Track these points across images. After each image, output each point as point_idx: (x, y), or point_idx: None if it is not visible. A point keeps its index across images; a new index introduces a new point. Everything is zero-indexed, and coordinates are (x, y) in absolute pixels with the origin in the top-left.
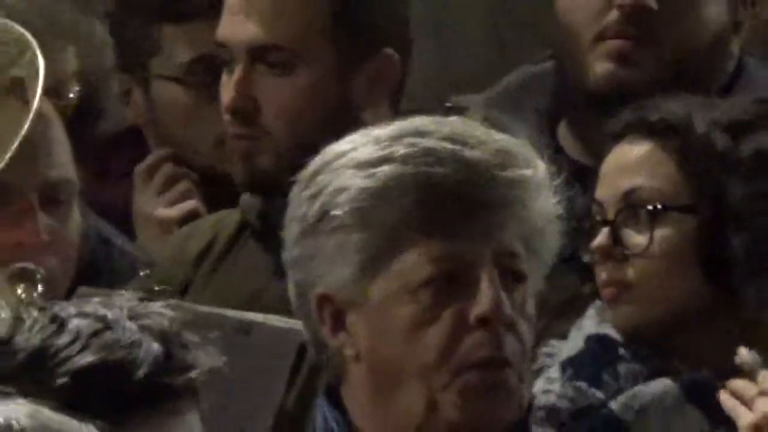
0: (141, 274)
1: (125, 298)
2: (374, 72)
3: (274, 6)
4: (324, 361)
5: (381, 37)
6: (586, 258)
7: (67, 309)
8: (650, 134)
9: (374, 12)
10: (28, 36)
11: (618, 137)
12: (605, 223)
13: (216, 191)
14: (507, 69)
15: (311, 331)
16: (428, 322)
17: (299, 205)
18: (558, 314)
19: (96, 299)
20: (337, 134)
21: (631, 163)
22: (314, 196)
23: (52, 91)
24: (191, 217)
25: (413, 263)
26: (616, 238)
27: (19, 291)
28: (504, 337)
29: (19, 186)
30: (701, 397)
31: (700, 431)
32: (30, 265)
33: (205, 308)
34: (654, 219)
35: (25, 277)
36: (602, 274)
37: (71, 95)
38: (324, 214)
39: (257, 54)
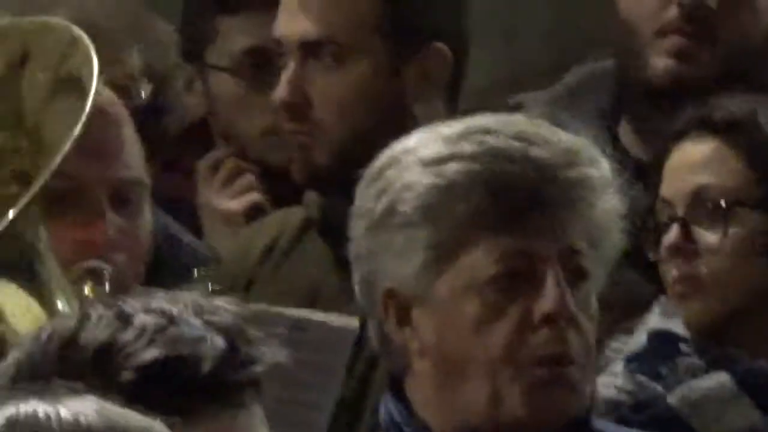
0: (196, 273)
1: (190, 295)
2: (425, 66)
3: (325, 1)
4: (388, 354)
5: (432, 32)
6: (650, 255)
7: (132, 305)
8: (715, 132)
9: (425, 6)
10: (84, 37)
11: (681, 135)
12: (675, 220)
13: (275, 182)
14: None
15: (376, 324)
16: (494, 318)
17: (366, 201)
18: (623, 311)
19: (161, 295)
20: (390, 128)
21: (698, 161)
22: (381, 192)
23: (123, 90)
24: (254, 209)
25: (479, 260)
26: (687, 235)
27: (87, 289)
28: (568, 334)
29: (90, 186)
30: (756, 387)
31: (752, 422)
32: (98, 264)
33: (262, 306)
34: (726, 215)
35: (94, 275)
36: (673, 271)
37: (142, 95)
38: (391, 210)
39: (309, 49)
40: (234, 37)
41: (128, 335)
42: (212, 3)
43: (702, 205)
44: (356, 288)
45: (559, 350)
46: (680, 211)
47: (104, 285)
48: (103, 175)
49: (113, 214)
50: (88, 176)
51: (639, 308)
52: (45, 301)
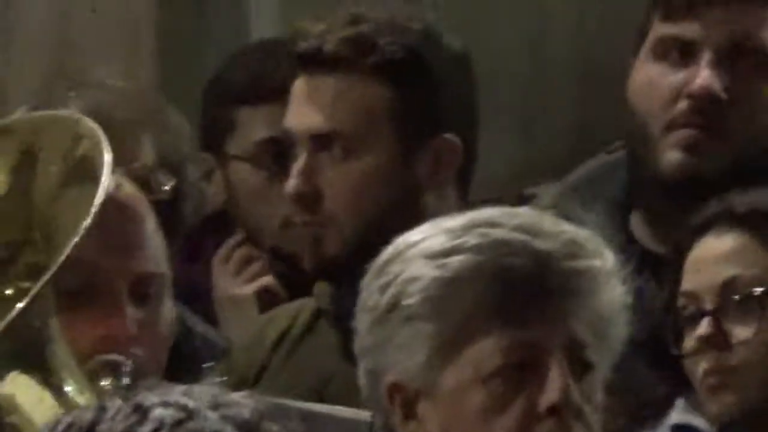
0: (204, 366)
1: (207, 388)
2: (435, 156)
3: (334, 94)
4: None
5: (441, 122)
6: (675, 351)
7: (149, 398)
8: (740, 225)
9: (434, 98)
10: (95, 127)
11: (703, 229)
12: (704, 313)
13: (295, 271)
14: (591, 156)
15: (382, 418)
16: (499, 410)
17: (371, 294)
18: (635, 416)
19: (178, 388)
20: (402, 217)
21: (724, 254)
22: (386, 286)
23: (143, 183)
24: (266, 293)
25: (484, 352)
26: (717, 327)
27: (104, 383)
28: (573, 427)
29: (109, 279)
30: None
31: None
32: (117, 357)
33: (271, 399)
34: (762, 304)
35: (112, 369)
36: (703, 364)
37: (164, 187)
38: (395, 304)
39: (320, 142)
40: (253, 127)
41: (145, 429)
42: (232, 94)
43: (731, 297)
44: (361, 381)
45: None
46: (709, 305)
47: (122, 380)
48: (123, 269)
49: (133, 307)
50: (108, 269)
51: (651, 414)
52: (56, 392)
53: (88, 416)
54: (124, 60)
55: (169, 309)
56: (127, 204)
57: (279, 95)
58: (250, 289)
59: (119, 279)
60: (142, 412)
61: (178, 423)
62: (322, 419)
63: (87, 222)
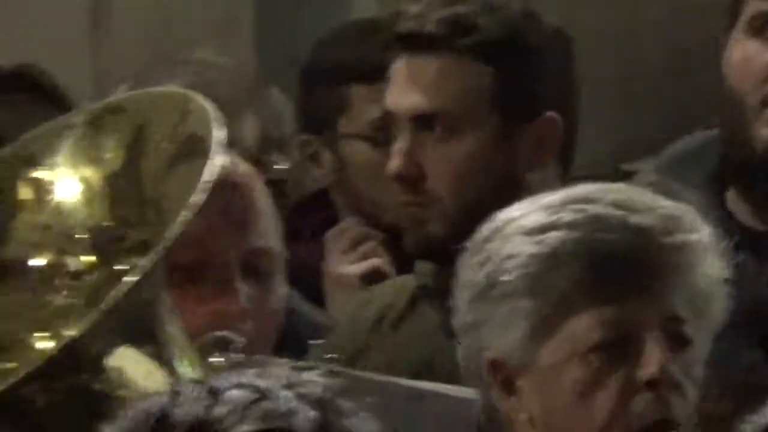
0: (311, 343)
1: (280, 368)
2: (537, 135)
3: (435, 74)
4: (495, 424)
5: (543, 101)
6: None
7: (223, 380)
8: None
9: (535, 77)
10: (205, 103)
11: None
12: None
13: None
14: (688, 132)
15: (482, 395)
16: (598, 385)
17: (469, 272)
18: (744, 397)
19: (251, 370)
20: (504, 197)
21: None
22: (484, 263)
23: (257, 162)
24: (375, 274)
25: (583, 327)
26: None
27: (214, 359)
28: (671, 400)
29: (221, 255)
30: None
31: None
32: (228, 334)
33: (376, 376)
34: None
35: (222, 345)
36: None
37: (277, 166)
38: (494, 281)
39: (421, 122)
40: (369, 105)
41: (219, 411)
42: (343, 73)
43: None
44: (460, 359)
45: (661, 415)
46: None
47: (232, 355)
48: (235, 244)
49: (245, 284)
50: (220, 245)
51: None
52: (166, 366)
53: (162, 401)
54: (222, 40)
55: (281, 286)
56: (239, 181)
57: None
58: (359, 269)
59: (231, 255)
60: (215, 394)
61: (253, 403)
62: (428, 397)
63: (198, 198)
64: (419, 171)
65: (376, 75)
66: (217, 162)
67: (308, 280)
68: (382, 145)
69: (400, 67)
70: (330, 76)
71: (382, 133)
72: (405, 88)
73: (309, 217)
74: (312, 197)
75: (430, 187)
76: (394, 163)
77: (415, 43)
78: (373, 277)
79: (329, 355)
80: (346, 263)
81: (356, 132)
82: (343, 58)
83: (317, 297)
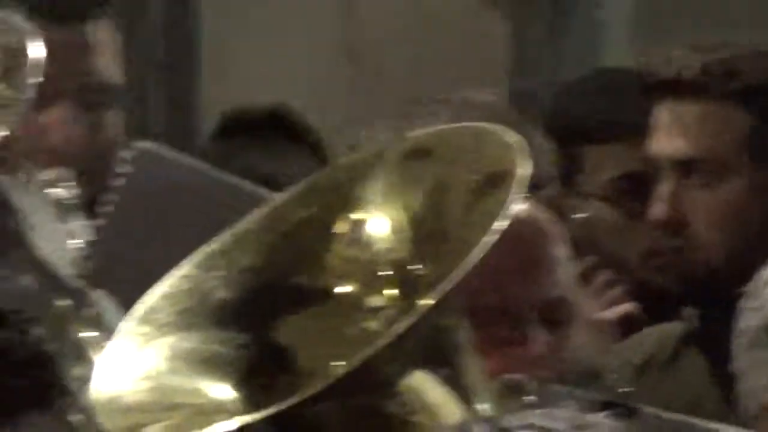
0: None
1: (564, 410)
2: None
3: (697, 121)
4: None
5: None
6: None
7: (513, 420)
8: None
9: None
10: (520, 144)
11: None
12: None
13: (652, 301)
14: None
15: None
16: None
17: (745, 317)
18: None
19: (537, 411)
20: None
21: None
22: (759, 309)
23: (556, 208)
24: (627, 320)
25: None
26: None
27: (508, 400)
28: None
29: (515, 302)
30: None
31: None
32: (523, 378)
33: (669, 415)
34: None
35: (516, 389)
36: None
37: (576, 215)
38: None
39: (684, 167)
40: (605, 165)
41: None
42: (579, 134)
43: None
44: (739, 403)
45: None
46: None
47: (522, 399)
48: (529, 294)
49: (541, 331)
50: (517, 291)
51: None
52: (462, 397)
53: None
54: (477, 79)
55: (578, 335)
56: (538, 227)
57: (626, 134)
58: (612, 314)
59: (525, 303)
60: None
61: None
62: None
63: (491, 238)
64: (683, 216)
65: (611, 135)
66: (517, 204)
67: None
68: (620, 203)
69: (661, 113)
70: (563, 134)
71: (620, 193)
72: (669, 135)
73: None
74: None
75: (694, 232)
76: (659, 208)
77: (676, 89)
78: (624, 322)
79: (624, 389)
80: (596, 308)
81: (592, 191)
82: (576, 116)
83: None
